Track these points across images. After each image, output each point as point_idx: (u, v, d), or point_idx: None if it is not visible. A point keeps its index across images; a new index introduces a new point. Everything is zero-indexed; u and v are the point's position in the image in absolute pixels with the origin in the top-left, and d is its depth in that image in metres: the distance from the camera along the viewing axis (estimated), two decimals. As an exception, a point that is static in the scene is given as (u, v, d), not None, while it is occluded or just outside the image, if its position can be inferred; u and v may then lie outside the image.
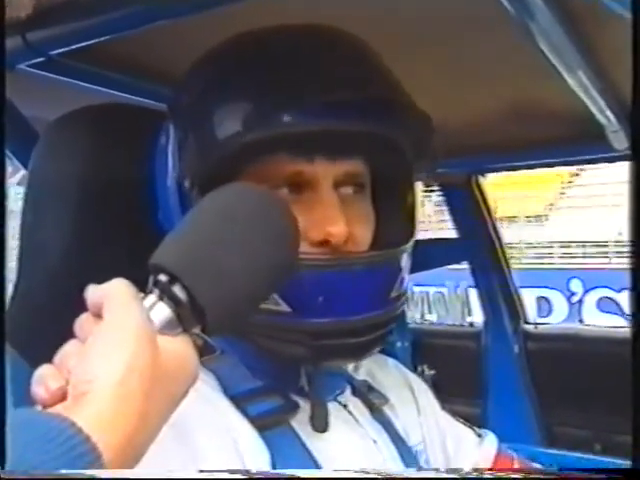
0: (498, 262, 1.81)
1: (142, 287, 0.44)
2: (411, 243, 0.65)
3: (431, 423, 0.79)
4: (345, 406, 0.68)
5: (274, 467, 0.58)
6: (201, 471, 0.46)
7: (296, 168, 0.60)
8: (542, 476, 0.52)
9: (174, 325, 0.43)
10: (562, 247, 6.69)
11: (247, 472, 0.49)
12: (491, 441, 0.82)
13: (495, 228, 1.79)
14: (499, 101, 1.22)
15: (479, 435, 0.82)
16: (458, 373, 1.82)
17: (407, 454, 0.71)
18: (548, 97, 1.17)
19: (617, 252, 6.52)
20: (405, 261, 0.64)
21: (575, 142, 1.41)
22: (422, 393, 0.81)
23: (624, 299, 5.30)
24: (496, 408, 1.79)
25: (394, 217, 0.67)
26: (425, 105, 0.62)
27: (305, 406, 0.64)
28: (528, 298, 5.60)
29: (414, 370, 1.96)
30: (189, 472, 0.48)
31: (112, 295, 0.41)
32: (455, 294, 4.55)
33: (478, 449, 0.81)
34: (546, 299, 5.63)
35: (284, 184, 0.60)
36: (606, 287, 5.44)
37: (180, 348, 0.42)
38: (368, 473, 0.49)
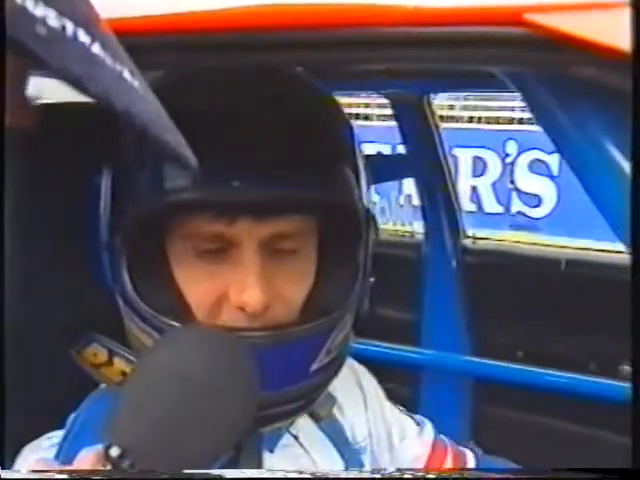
0: (443, 178, 1.81)
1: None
2: (349, 304, 0.65)
3: (377, 416, 0.84)
4: (296, 438, 0.72)
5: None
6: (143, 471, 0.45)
7: (216, 230, 0.58)
8: (537, 476, 0.54)
9: None
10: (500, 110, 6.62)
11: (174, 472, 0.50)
12: (429, 430, 0.88)
13: (442, 146, 1.77)
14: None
15: (418, 424, 0.88)
16: (397, 281, 1.88)
17: (352, 459, 0.76)
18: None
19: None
20: (343, 323, 0.64)
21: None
22: (370, 387, 0.86)
23: (554, 161, 5.45)
24: (431, 316, 1.89)
25: (335, 277, 0.65)
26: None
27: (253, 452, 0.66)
28: (464, 157, 5.68)
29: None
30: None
31: None
32: (397, 204, 4.57)
33: (419, 438, 0.87)
34: (481, 159, 5.72)
35: (207, 244, 0.59)
36: (538, 149, 5.54)
37: None
38: (302, 473, 0.53)
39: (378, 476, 0.59)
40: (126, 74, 0.28)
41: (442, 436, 0.90)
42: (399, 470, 0.75)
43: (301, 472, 0.50)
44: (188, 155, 0.31)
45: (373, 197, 0.71)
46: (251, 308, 0.57)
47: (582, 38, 0.34)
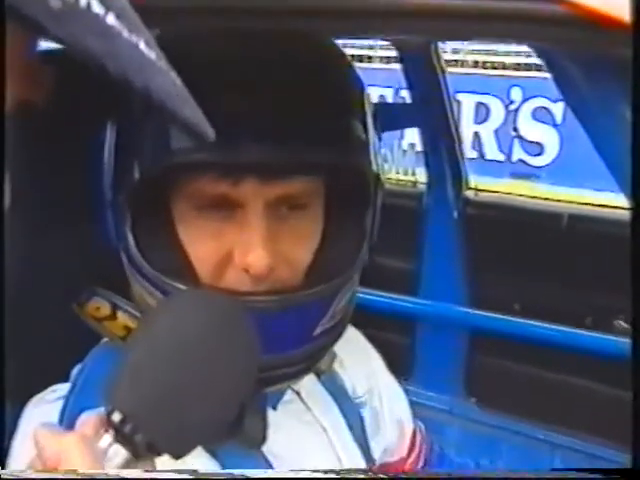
0: (448, 127, 1.79)
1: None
2: (355, 267, 0.64)
3: (378, 374, 0.85)
4: (298, 394, 0.72)
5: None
6: (146, 471, 0.47)
7: (221, 191, 0.57)
8: (539, 476, 0.55)
9: (132, 462, 0.44)
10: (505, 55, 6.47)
11: (195, 472, 0.52)
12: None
13: (449, 95, 1.74)
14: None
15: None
16: (398, 231, 1.87)
17: (352, 414, 0.77)
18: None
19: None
20: (348, 287, 0.63)
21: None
22: (368, 346, 0.86)
23: (558, 110, 5.38)
24: (430, 267, 1.90)
25: (342, 239, 0.64)
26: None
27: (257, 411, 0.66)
28: (467, 103, 5.59)
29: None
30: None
31: (69, 457, 0.41)
32: (400, 150, 4.49)
33: (409, 408, 0.88)
34: (485, 105, 5.64)
35: (211, 205, 0.58)
36: (543, 97, 5.45)
37: None
38: (327, 473, 0.54)
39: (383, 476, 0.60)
40: (143, 46, 0.26)
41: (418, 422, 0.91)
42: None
43: (326, 472, 0.50)
44: (206, 130, 0.30)
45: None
46: (256, 270, 0.56)
47: (612, 16, 0.32)
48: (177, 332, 0.46)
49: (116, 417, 0.43)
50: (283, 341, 0.60)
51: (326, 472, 0.48)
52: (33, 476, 0.41)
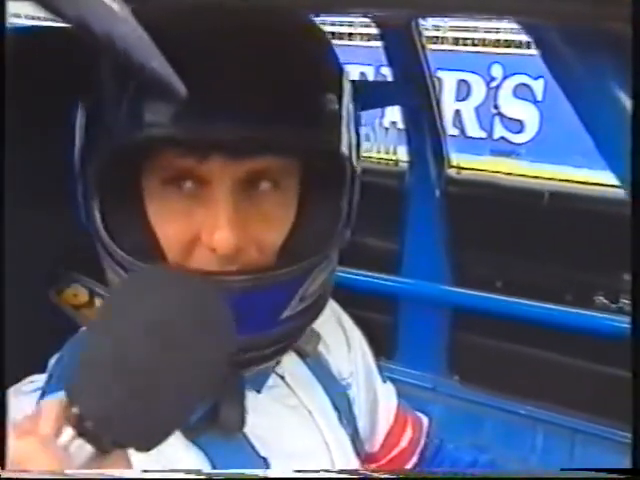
0: (429, 105, 1.78)
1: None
2: (330, 248, 0.62)
3: (359, 358, 0.84)
4: (283, 378, 0.71)
5: (214, 466, 0.61)
6: (144, 471, 0.47)
7: (187, 165, 0.55)
8: (541, 476, 0.55)
9: (97, 456, 0.42)
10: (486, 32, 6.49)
11: (195, 472, 0.51)
12: (394, 391, 0.90)
13: (430, 73, 1.72)
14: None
15: (384, 381, 0.89)
16: (379, 210, 1.87)
17: (339, 396, 0.77)
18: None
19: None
20: (319, 270, 0.61)
21: None
22: (351, 328, 0.85)
23: (539, 87, 5.39)
24: (412, 246, 1.90)
25: (315, 221, 0.62)
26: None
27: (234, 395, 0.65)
28: (449, 80, 5.58)
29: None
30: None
31: (31, 460, 0.40)
32: (382, 128, 4.47)
33: (394, 393, 0.88)
34: (466, 82, 5.63)
35: (178, 178, 0.56)
36: (524, 74, 5.46)
37: None
38: (318, 472, 0.54)
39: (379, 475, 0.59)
40: None
41: (401, 400, 0.91)
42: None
43: (321, 470, 0.49)
44: (176, 83, 0.28)
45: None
46: (221, 250, 0.54)
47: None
48: (141, 315, 0.43)
49: (76, 410, 0.41)
50: (249, 323, 0.57)
51: (318, 472, 0.47)
52: (33, 476, 0.39)
